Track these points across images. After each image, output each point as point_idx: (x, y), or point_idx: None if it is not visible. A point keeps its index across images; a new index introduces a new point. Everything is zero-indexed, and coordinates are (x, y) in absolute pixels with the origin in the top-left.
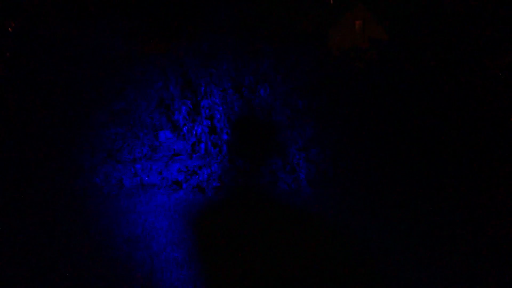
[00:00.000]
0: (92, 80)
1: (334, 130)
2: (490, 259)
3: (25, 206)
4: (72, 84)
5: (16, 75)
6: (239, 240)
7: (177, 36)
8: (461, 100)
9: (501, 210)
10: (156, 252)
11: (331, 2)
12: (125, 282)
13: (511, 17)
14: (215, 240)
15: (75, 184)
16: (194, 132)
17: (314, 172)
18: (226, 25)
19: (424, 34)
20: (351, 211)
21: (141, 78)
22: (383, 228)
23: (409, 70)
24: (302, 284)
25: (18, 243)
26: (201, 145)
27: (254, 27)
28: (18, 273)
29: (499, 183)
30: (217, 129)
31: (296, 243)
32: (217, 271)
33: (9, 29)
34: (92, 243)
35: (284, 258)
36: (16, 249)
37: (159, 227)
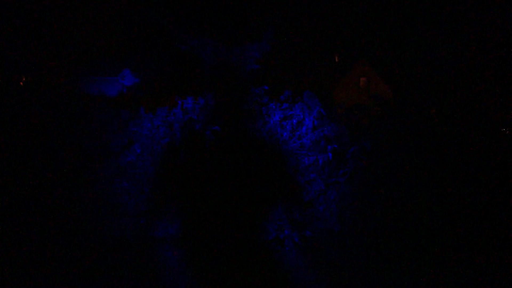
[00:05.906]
0: (100, 134)
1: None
2: None
3: (27, 262)
4: (79, 138)
5: (24, 128)
6: None
7: (184, 90)
8: (466, 160)
9: None
10: None
11: (337, 59)
12: None
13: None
14: None
15: (78, 240)
16: None
17: (320, 228)
18: (232, 79)
19: (428, 91)
20: None
21: (148, 134)
22: None
23: (413, 128)
24: None
25: None
26: None
27: (260, 81)
28: None
29: None
30: None
31: None
32: None
33: (21, 83)
34: None
35: None
36: None
37: (163, 283)
